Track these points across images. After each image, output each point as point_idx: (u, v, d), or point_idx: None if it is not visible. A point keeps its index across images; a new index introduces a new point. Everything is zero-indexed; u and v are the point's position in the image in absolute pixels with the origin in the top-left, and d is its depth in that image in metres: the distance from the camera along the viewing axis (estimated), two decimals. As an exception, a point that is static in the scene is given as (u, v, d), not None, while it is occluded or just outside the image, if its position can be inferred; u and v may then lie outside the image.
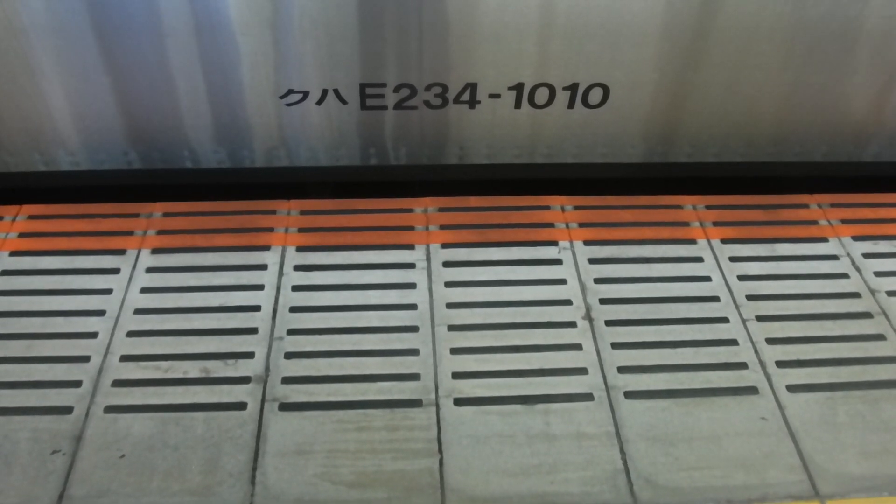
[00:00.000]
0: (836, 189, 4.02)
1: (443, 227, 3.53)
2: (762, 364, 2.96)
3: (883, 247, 3.49)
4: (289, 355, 2.95)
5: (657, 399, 2.83)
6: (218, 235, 3.46)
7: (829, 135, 3.93)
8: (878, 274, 3.36)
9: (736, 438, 2.70)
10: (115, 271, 3.28)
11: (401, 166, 3.96)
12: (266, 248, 3.41)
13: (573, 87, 3.62)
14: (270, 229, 3.50)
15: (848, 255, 3.45)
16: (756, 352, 3.01)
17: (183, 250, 3.38)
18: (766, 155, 4.01)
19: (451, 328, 3.07)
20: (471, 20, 3.35)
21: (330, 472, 2.57)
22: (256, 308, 3.14)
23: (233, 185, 3.99)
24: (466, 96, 3.63)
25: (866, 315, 3.18)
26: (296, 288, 3.23)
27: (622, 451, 2.65)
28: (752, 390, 2.87)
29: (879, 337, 3.09)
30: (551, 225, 3.56)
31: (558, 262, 3.38)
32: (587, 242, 3.47)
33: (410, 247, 3.43)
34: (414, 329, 3.07)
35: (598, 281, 3.29)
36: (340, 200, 3.67)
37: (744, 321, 3.13)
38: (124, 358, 2.93)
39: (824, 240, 3.53)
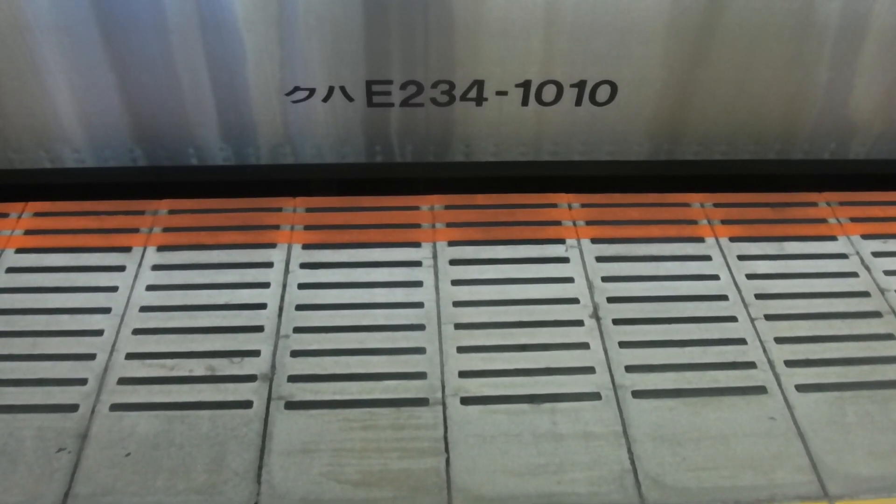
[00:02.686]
0: (845, 187, 4.00)
1: (449, 225, 3.52)
2: (771, 363, 2.95)
3: (892, 245, 3.47)
4: (295, 353, 2.94)
5: (665, 398, 2.81)
6: (223, 233, 3.45)
7: (838, 133, 3.91)
8: (887, 273, 3.34)
9: (744, 438, 2.68)
10: (121, 269, 3.28)
11: (407, 164, 3.95)
12: (272, 245, 3.40)
13: (581, 85, 3.60)
14: (276, 227, 3.49)
15: (857, 253, 3.43)
16: (764, 351, 2.99)
17: (188, 248, 3.38)
18: (774, 153, 3.99)
19: (458, 326, 3.06)
20: (478, 17, 3.34)
21: (336, 470, 2.56)
22: (262, 306, 3.13)
23: (238, 182, 3.98)
24: (473, 93, 3.61)
25: (875, 314, 3.16)
26: (301, 286, 3.22)
27: (630, 451, 2.64)
28: (760, 390, 2.85)
29: (889, 336, 3.07)
30: (558, 223, 3.54)
31: (565, 260, 3.37)
32: (594, 240, 3.45)
33: (417, 244, 3.42)
34: (420, 327, 3.05)
35: (605, 279, 3.27)
36: (346, 198, 3.66)
37: (752, 320, 3.11)
38: (130, 356, 2.92)
39: (833, 238, 3.51)
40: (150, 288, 3.20)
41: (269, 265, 3.31)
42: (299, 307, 3.13)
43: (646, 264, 3.35)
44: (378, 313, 3.11)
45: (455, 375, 2.87)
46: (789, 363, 2.95)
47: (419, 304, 3.15)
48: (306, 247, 3.40)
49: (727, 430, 2.71)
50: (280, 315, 3.09)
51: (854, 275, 3.33)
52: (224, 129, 3.72)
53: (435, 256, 3.36)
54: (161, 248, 3.37)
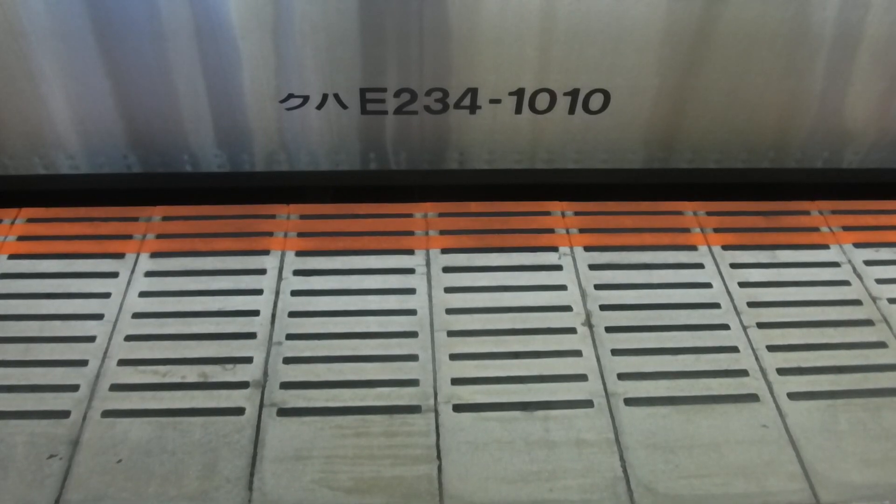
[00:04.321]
0: (838, 196, 4.01)
1: (443, 233, 3.52)
2: (763, 371, 2.95)
3: (884, 254, 3.48)
4: (287, 360, 2.94)
5: (657, 406, 2.82)
6: (217, 239, 3.45)
7: (831, 141, 3.92)
8: (879, 281, 3.35)
9: (736, 446, 2.69)
10: (114, 275, 3.27)
11: (401, 171, 3.95)
12: (265, 252, 3.40)
13: (574, 93, 3.61)
14: (270, 234, 3.49)
15: (849, 262, 3.44)
16: (757, 359, 3.00)
17: (182, 254, 3.37)
18: (767, 161, 4.00)
19: (451, 334, 3.06)
20: (472, 25, 3.35)
21: (328, 477, 2.56)
22: (255, 313, 3.13)
23: (232, 189, 3.98)
24: (467, 101, 3.62)
25: (867, 322, 3.17)
26: (295, 293, 3.22)
27: (622, 459, 2.64)
28: (752, 398, 2.86)
29: (881, 344, 3.08)
30: (551, 230, 3.55)
31: (558, 267, 3.37)
32: (587, 248, 3.46)
33: (410, 252, 3.42)
34: (413, 334, 3.05)
35: (598, 287, 3.28)
36: (340, 205, 3.66)
37: (744, 328, 3.12)
38: (122, 362, 2.92)
39: (825, 247, 3.52)
40: (143, 294, 3.19)
41: (263, 272, 3.31)
42: (292, 314, 3.13)
43: (639, 272, 3.36)
44: (371, 320, 3.11)
45: (448, 383, 2.87)
46: (781, 371, 2.96)
47: (412, 312, 3.15)
48: (300, 254, 3.40)
49: (719, 438, 2.71)
50: (273, 322, 3.09)
51: (846, 283, 3.34)
52: (218, 135, 3.72)
53: (428, 264, 3.37)
54: (154, 255, 3.37)
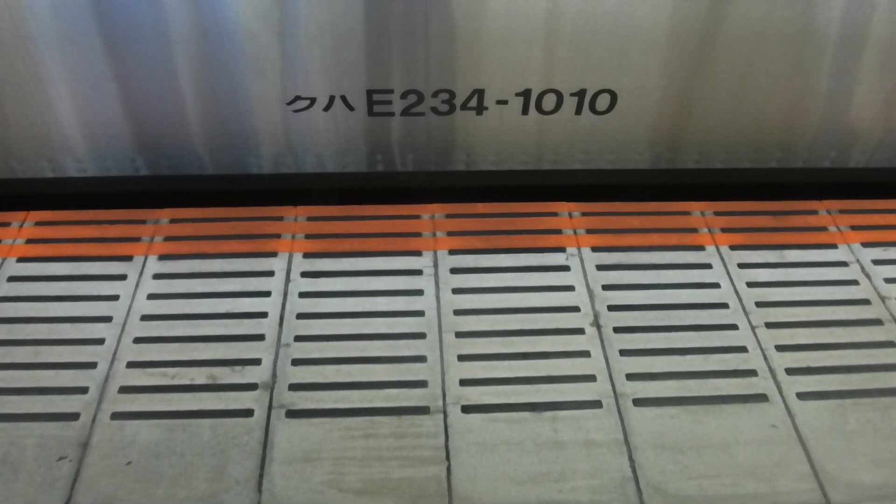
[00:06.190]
0: (845, 195, 4.01)
1: (450, 234, 3.52)
2: (772, 371, 2.95)
3: (893, 253, 3.47)
4: (296, 362, 2.94)
5: (666, 406, 2.81)
6: (225, 242, 3.45)
7: (838, 141, 3.92)
8: (888, 280, 3.34)
9: (746, 446, 2.68)
10: (122, 277, 3.28)
11: (408, 173, 3.95)
12: (273, 254, 3.40)
13: (580, 94, 3.61)
14: (277, 235, 3.49)
15: (857, 261, 3.43)
16: (765, 359, 2.99)
17: (190, 256, 3.38)
18: (774, 161, 4.00)
19: (459, 335, 3.06)
20: (478, 26, 3.35)
21: (337, 479, 2.56)
22: (263, 314, 3.13)
23: (240, 191, 3.99)
24: (474, 102, 3.62)
25: (876, 322, 3.16)
26: (303, 294, 3.22)
27: (631, 459, 2.64)
28: (761, 398, 2.85)
29: (890, 344, 3.07)
30: (559, 231, 3.55)
31: (566, 268, 3.37)
32: (595, 249, 3.46)
33: (417, 253, 3.42)
34: (421, 336, 3.06)
35: (606, 287, 3.28)
36: (347, 207, 3.67)
37: (753, 328, 3.11)
38: (131, 364, 2.92)
39: (833, 246, 3.51)
40: (151, 297, 3.20)
41: (271, 274, 3.31)
42: (300, 316, 3.13)
43: (646, 272, 3.36)
44: (379, 322, 3.12)
45: (456, 384, 2.87)
46: (790, 371, 2.95)
47: (420, 313, 3.15)
48: (307, 255, 3.40)
49: (729, 438, 2.71)
50: (281, 324, 3.10)
51: (854, 283, 3.33)
52: (226, 138, 3.73)
53: (436, 265, 3.37)
54: (162, 257, 3.38)
